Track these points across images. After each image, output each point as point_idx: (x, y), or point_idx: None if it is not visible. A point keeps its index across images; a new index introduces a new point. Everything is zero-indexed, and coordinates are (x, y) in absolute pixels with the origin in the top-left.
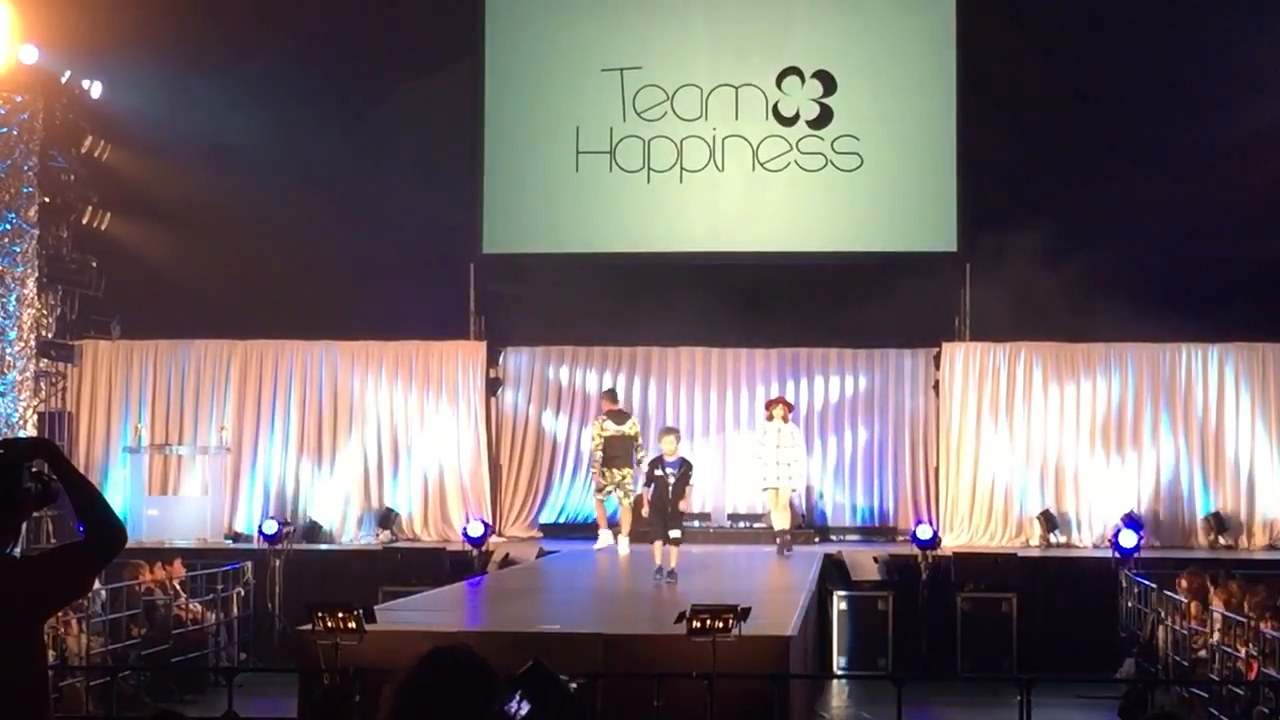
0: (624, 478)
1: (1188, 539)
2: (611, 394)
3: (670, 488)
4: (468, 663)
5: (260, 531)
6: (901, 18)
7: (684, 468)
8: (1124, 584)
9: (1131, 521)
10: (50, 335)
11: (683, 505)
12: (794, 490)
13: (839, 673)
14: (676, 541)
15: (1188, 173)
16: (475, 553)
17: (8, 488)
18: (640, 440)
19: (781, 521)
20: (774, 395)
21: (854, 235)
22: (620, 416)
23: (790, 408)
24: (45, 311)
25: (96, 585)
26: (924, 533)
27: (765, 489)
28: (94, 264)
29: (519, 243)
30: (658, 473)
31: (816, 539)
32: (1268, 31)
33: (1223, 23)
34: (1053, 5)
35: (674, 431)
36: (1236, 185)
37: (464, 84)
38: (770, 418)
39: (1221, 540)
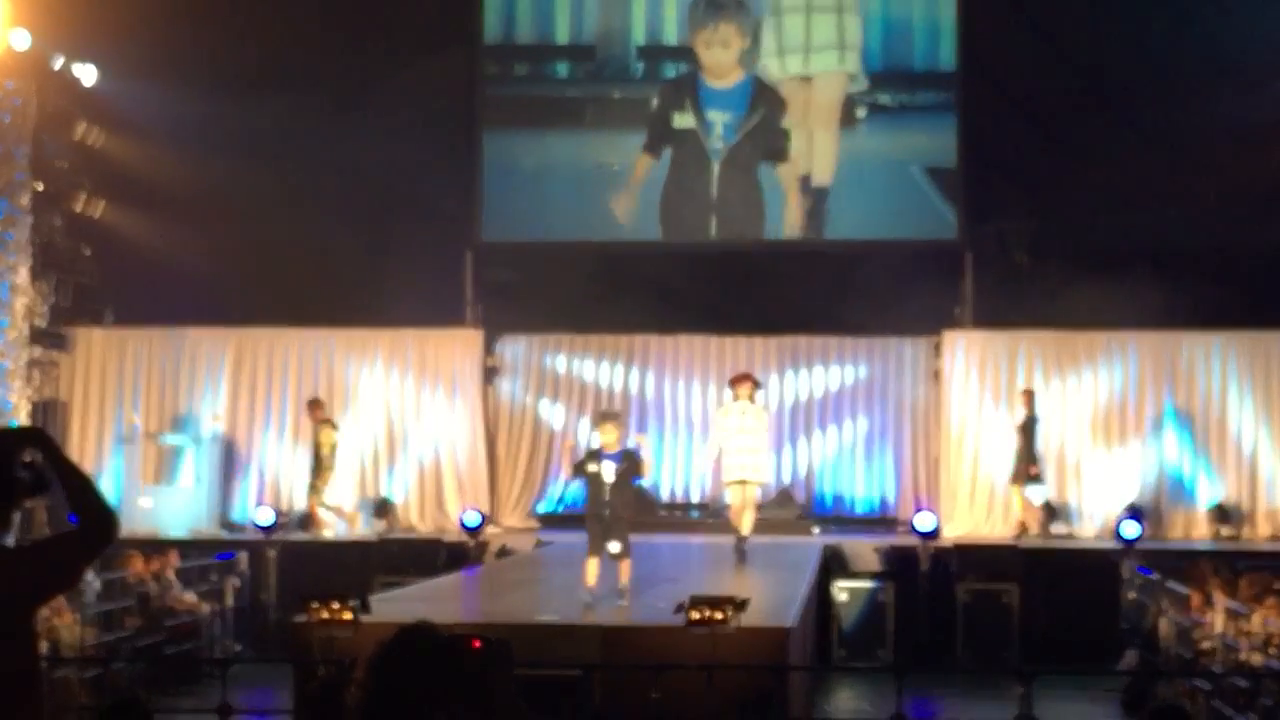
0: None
1: (1190, 530)
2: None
3: (608, 487)
4: (433, 640)
5: (254, 521)
6: (904, 2)
7: (628, 462)
8: (1126, 575)
9: (1133, 512)
10: (44, 323)
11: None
12: (760, 484)
13: (839, 664)
14: (618, 557)
15: (1191, 160)
16: (472, 543)
17: (0, 477)
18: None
19: (746, 522)
20: (744, 373)
21: (854, 223)
22: (334, 425)
23: (757, 385)
24: (38, 299)
25: (90, 575)
26: (924, 523)
27: (730, 483)
28: (87, 251)
29: (516, 230)
30: (591, 468)
31: (816, 529)
32: (1272, 17)
33: (1227, 8)
34: None
35: (613, 417)
36: (1240, 172)
37: (462, 68)
38: (736, 397)
39: (1224, 531)
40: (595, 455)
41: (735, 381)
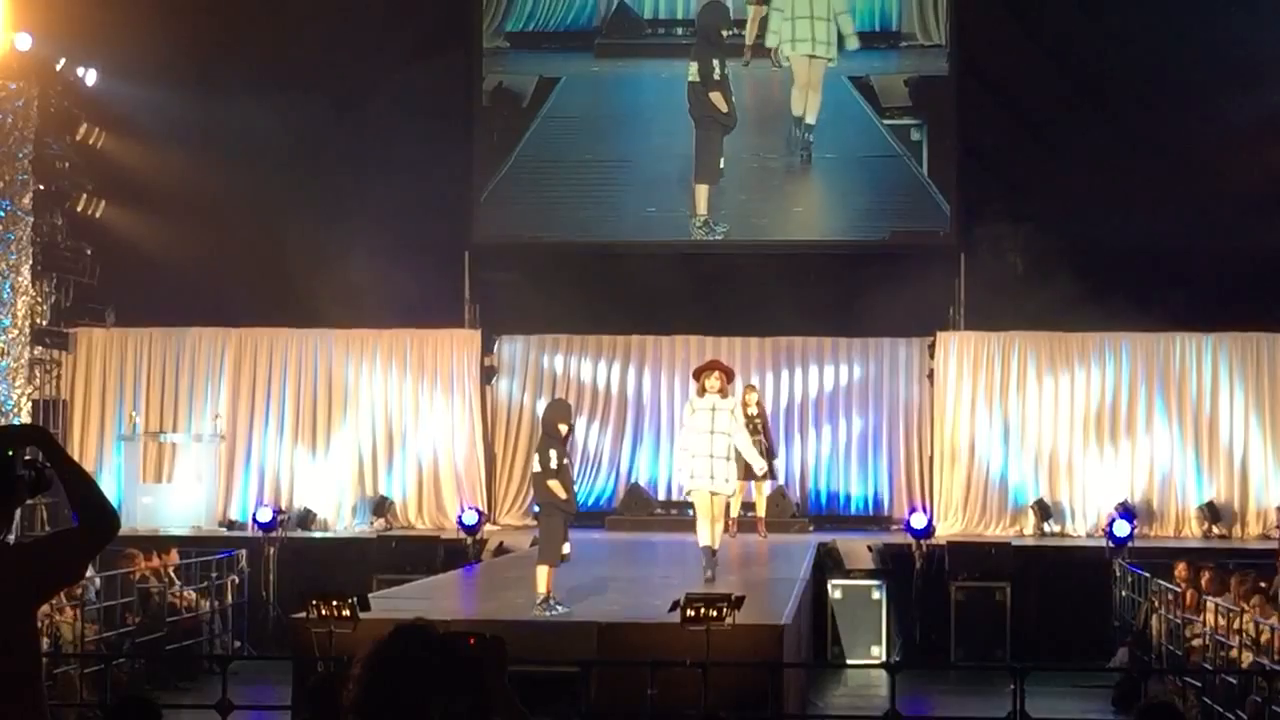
0: None
1: (1181, 529)
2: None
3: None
4: (429, 638)
5: (254, 519)
6: (898, 4)
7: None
8: (1117, 573)
9: (1125, 511)
10: (45, 323)
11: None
12: (730, 494)
13: (833, 661)
14: (566, 558)
15: (1183, 163)
16: (469, 541)
17: (1, 475)
18: None
19: (709, 534)
20: (712, 361)
21: (849, 224)
22: None
23: (730, 377)
24: (40, 299)
25: (91, 573)
26: (918, 522)
27: (692, 491)
28: (88, 251)
29: (514, 230)
30: (566, 460)
31: (811, 528)
32: (1267, 21)
33: (1222, 12)
34: None
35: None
36: (1231, 175)
37: (459, 70)
38: (702, 391)
39: (1215, 530)
40: (560, 441)
41: (701, 372)
